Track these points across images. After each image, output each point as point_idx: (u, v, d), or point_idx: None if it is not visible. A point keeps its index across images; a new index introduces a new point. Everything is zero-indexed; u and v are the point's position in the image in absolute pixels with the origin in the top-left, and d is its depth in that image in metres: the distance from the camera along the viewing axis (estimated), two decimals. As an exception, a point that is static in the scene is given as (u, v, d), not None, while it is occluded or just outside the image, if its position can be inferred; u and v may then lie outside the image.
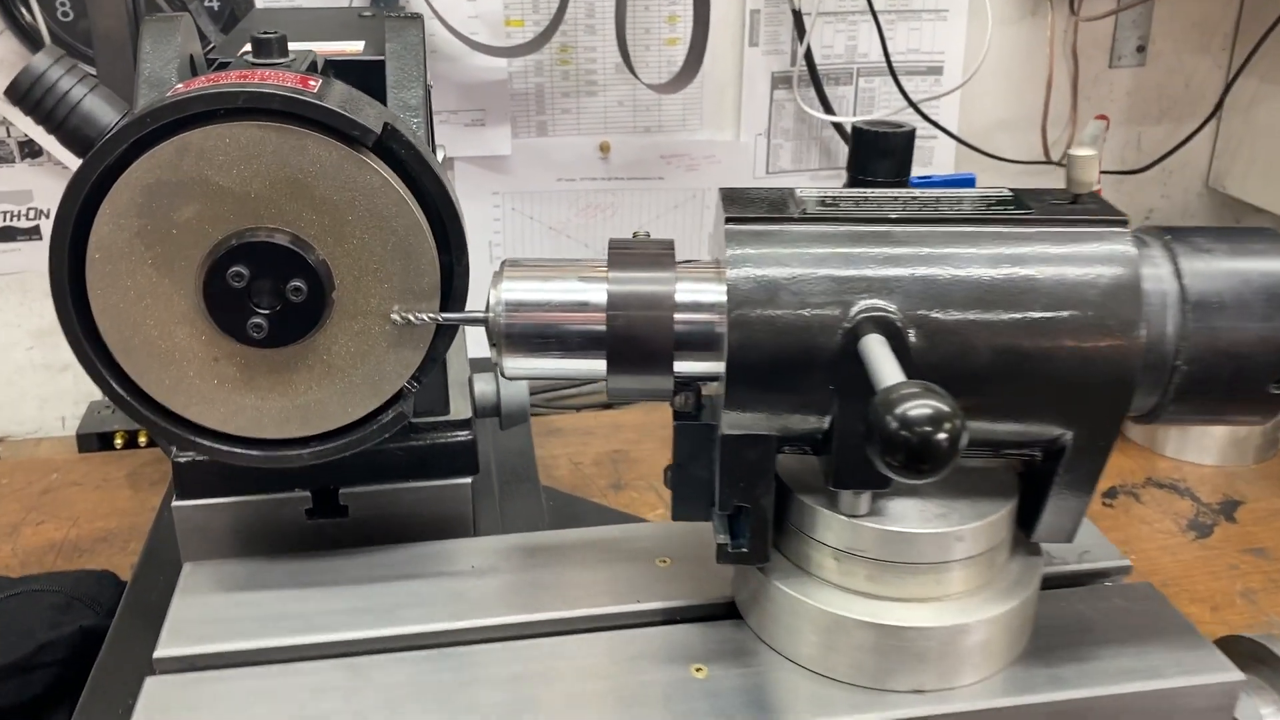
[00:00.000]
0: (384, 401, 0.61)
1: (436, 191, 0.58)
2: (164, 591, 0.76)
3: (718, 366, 0.54)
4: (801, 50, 1.26)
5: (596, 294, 0.55)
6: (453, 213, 0.58)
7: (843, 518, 0.56)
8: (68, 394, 1.28)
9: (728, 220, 0.53)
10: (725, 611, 0.64)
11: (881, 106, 1.34)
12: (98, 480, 1.15)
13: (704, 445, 0.58)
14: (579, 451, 1.23)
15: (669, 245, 0.56)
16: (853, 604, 0.56)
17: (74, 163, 0.55)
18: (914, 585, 0.56)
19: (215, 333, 0.57)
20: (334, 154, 0.55)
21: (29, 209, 1.20)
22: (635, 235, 0.58)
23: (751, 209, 0.54)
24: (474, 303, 0.59)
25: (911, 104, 1.28)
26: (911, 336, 0.51)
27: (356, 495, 0.72)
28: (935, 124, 1.30)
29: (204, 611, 0.63)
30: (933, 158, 1.37)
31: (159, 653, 0.60)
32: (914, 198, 0.55)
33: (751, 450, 0.54)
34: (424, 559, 0.68)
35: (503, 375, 0.57)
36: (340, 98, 0.55)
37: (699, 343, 0.54)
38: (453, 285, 0.60)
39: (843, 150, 1.35)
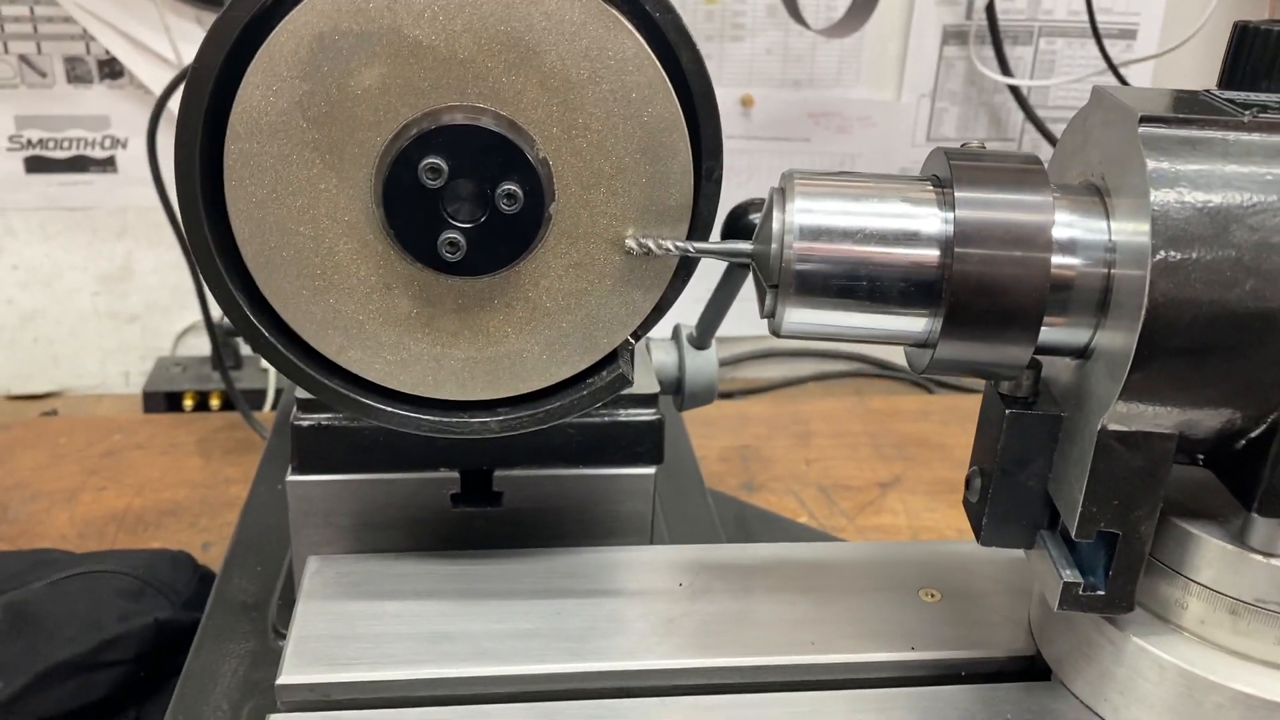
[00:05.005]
0: (598, 359, 0.45)
1: (696, 74, 0.42)
2: (260, 586, 0.63)
3: (1110, 338, 0.38)
4: (983, 1, 1.11)
5: (932, 222, 0.39)
6: (712, 106, 0.43)
7: (1256, 557, 0.40)
8: (134, 347, 1.16)
9: (1144, 121, 0.37)
10: (1025, 668, 0.48)
11: (1063, 71, 1.18)
12: (164, 445, 1.05)
13: (1041, 446, 0.42)
14: (701, 445, 1.08)
15: (1034, 159, 0.40)
16: (1258, 678, 0.40)
17: (159, 88, 0.40)
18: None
19: (392, 251, 0.42)
20: (578, 6, 0.39)
21: (105, 137, 1.09)
22: (965, 146, 0.42)
23: (1169, 109, 0.38)
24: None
25: (1112, 68, 1.11)
26: None
27: (513, 480, 0.57)
28: (1136, 91, 1.13)
29: (338, 624, 0.47)
30: (1116, 134, 1.21)
31: (284, 678, 0.44)
32: (1389, 111, 0.39)
33: (1140, 455, 0.38)
34: (613, 569, 0.52)
35: (776, 331, 0.41)
36: (587, -71, 0.40)
37: (1081, 299, 0.38)
38: (697, 207, 0.44)
39: (1015, 119, 1.20)
